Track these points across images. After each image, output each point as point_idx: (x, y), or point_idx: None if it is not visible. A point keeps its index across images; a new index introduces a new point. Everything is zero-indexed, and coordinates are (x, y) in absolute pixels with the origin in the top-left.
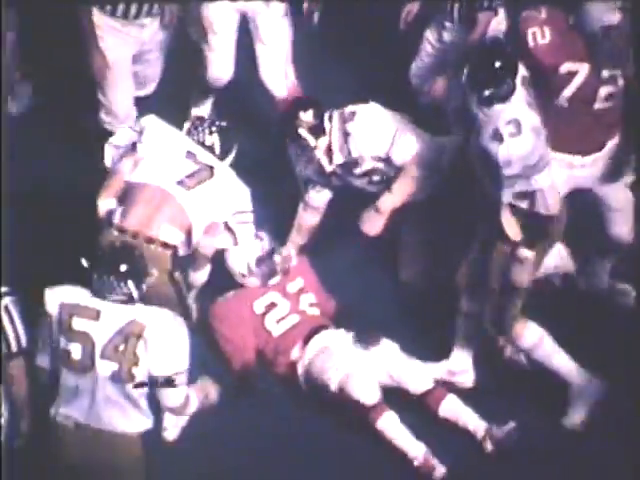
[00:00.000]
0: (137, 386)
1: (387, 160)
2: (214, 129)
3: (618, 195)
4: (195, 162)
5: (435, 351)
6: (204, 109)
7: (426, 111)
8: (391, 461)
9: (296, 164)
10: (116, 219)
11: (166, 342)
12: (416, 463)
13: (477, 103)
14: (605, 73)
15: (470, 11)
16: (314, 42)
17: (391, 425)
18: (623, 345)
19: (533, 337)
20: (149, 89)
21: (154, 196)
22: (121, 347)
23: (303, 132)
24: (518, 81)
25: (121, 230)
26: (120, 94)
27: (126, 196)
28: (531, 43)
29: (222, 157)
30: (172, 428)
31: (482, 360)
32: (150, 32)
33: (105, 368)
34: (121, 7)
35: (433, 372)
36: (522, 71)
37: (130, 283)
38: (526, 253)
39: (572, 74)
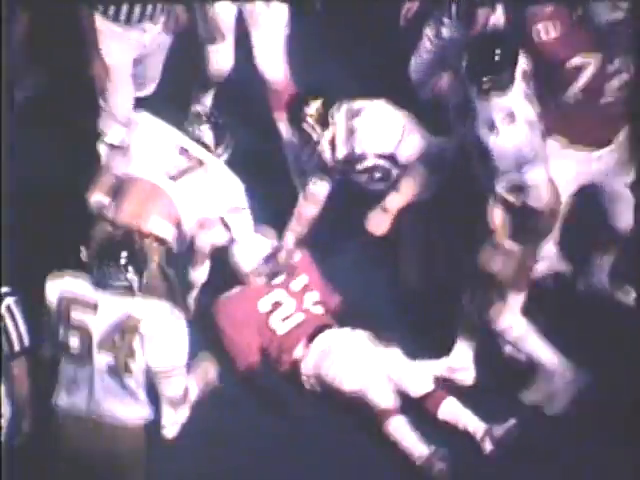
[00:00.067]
0: None
1: (391, 158)
2: (209, 125)
3: (622, 185)
4: (187, 157)
5: (435, 349)
6: (205, 104)
7: (426, 107)
8: (392, 461)
9: (299, 154)
10: (108, 213)
11: (162, 336)
12: (420, 462)
13: (476, 94)
14: (613, 65)
15: (468, 7)
16: (314, 38)
17: (400, 428)
18: (623, 345)
19: (520, 328)
20: (149, 90)
21: (145, 189)
22: (117, 340)
23: (309, 123)
24: (518, 74)
25: (113, 224)
26: (120, 98)
27: (118, 190)
28: (538, 39)
29: (217, 153)
30: (171, 426)
31: (483, 357)
32: (151, 36)
33: (102, 360)
34: (124, 12)
35: (433, 369)
36: (523, 64)
37: (130, 273)
38: (512, 246)
39: (581, 67)
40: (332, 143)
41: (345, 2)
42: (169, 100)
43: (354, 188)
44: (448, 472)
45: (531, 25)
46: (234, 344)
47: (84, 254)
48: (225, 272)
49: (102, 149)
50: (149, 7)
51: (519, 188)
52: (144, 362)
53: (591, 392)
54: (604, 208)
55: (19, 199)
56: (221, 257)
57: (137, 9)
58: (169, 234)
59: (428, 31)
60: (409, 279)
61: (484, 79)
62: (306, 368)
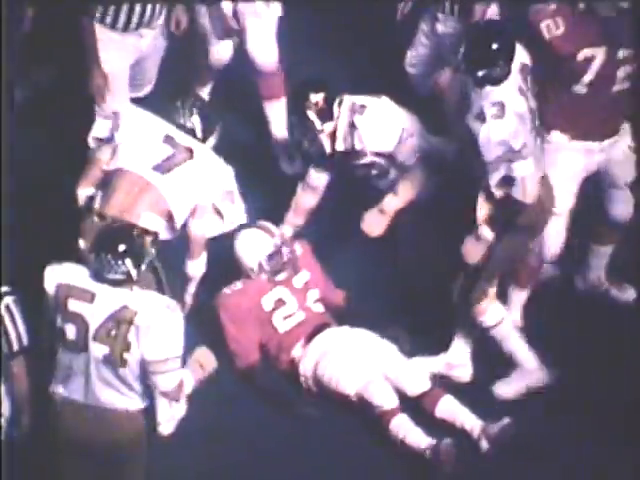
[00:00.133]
0: None
1: (390, 157)
2: (195, 110)
3: (625, 172)
4: (173, 146)
5: (434, 346)
6: (201, 95)
7: (425, 102)
8: (393, 457)
9: (299, 143)
10: (96, 205)
11: (157, 329)
12: (428, 452)
13: (472, 85)
14: (621, 54)
15: (463, 3)
16: (311, 33)
17: (404, 425)
18: (623, 344)
19: (496, 316)
20: (145, 91)
21: (133, 183)
22: (113, 332)
23: (311, 114)
24: (515, 67)
25: (101, 216)
26: (116, 101)
27: (105, 182)
28: (546, 35)
29: (204, 139)
30: (167, 422)
31: (480, 354)
32: (148, 41)
33: (98, 350)
34: (122, 19)
35: (431, 366)
36: (523, 58)
37: (128, 262)
38: (486, 233)
39: (590, 59)
40: (333, 135)
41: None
42: (166, 97)
43: (354, 183)
44: (456, 458)
45: (538, 22)
46: (235, 342)
47: (82, 244)
48: (226, 265)
49: (91, 143)
50: (147, 13)
51: (508, 182)
52: (139, 354)
53: (591, 391)
54: (602, 199)
55: (19, 199)
56: (224, 251)
57: (135, 16)
58: (160, 228)
59: (423, 26)
60: (408, 277)
61: (479, 70)
62: (304, 369)
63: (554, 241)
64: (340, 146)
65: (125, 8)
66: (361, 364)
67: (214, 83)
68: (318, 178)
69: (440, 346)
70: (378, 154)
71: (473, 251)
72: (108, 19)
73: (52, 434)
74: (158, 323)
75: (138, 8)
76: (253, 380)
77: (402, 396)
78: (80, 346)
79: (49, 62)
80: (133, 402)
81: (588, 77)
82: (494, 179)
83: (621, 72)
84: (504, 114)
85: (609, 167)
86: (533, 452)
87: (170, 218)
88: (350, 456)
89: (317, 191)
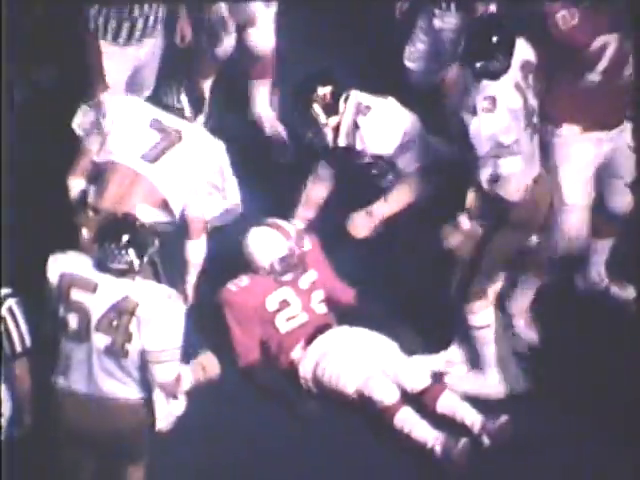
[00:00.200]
0: None
1: (389, 161)
2: (182, 90)
3: (627, 161)
4: (160, 130)
5: (435, 344)
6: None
7: (423, 98)
8: (397, 455)
9: (304, 135)
10: (90, 199)
11: (158, 319)
12: (438, 448)
13: (471, 79)
14: (627, 45)
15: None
16: (310, 30)
17: (409, 419)
18: (622, 343)
19: (483, 320)
20: (144, 96)
21: (124, 176)
22: (115, 322)
23: (316, 107)
24: (516, 63)
25: (95, 210)
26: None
27: (97, 176)
28: (562, 27)
29: (193, 117)
30: (164, 418)
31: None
32: (146, 50)
33: (100, 341)
34: (124, 33)
35: (432, 364)
36: (526, 55)
37: (131, 252)
38: (464, 221)
39: (604, 47)
40: (336, 129)
41: None
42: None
43: (357, 178)
44: (446, 468)
45: (553, 16)
46: (236, 339)
47: (85, 235)
48: (230, 258)
49: (76, 129)
50: (149, 24)
51: (495, 178)
52: (140, 345)
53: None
54: (601, 191)
55: (19, 199)
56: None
57: (137, 29)
58: (157, 217)
59: (421, 22)
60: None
61: (477, 62)
62: (304, 371)
63: (573, 234)
64: (342, 142)
65: (127, 23)
66: (360, 361)
67: (215, 77)
68: (327, 170)
69: (441, 345)
70: (377, 157)
71: (450, 237)
72: (110, 32)
73: (53, 425)
74: (159, 314)
75: (140, 22)
76: (253, 378)
77: (402, 392)
78: (82, 336)
79: (49, 62)
80: (134, 392)
81: (602, 65)
82: (484, 175)
83: (629, 62)
84: (495, 108)
85: (615, 156)
86: (532, 450)
87: (166, 206)
88: (354, 454)
89: (327, 183)
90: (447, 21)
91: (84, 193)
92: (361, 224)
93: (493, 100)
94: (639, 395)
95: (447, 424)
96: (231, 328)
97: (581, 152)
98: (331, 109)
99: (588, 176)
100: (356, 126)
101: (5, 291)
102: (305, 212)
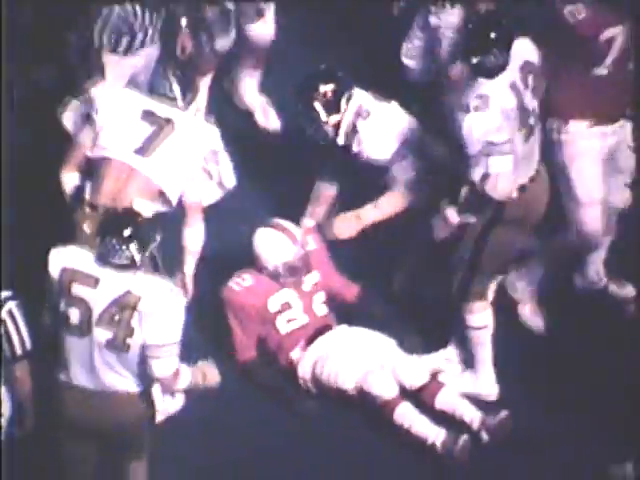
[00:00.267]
0: None
1: (383, 166)
2: (175, 79)
3: (627, 157)
4: (152, 122)
5: (434, 343)
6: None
7: (420, 94)
8: (391, 451)
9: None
10: (87, 195)
11: (160, 313)
12: (439, 444)
13: (468, 77)
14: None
15: None
16: (306, 26)
17: (408, 414)
18: (622, 342)
19: (481, 321)
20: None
21: (119, 171)
22: (116, 317)
23: (317, 105)
24: (516, 63)
25: (92, 206)
26: None
27: (92, 172)
28: (571, 21)
29: (186, 105)
30: (161, 412)
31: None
32: (143, 60)
33: (101, 335)
34: (124, 42)
35: (431, 362)
36: (528, 56)
37: (133, 247)
38: (450, 213)
39: (611, 39)
40: (336, 127)
41: None
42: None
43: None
44: (446, 464)
45: (562, 10)
46: (235, 337)
47: (87, 228)
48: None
49: (66, 124)
50: (148, 36)
51: (484, 175)
52: (142, 339)
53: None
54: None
55: (19, 199)
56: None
57: (137, 41)
58: (152, 210)
59: (417, 19)
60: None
61: (474, 57)
62: (303, 371)
63: (590, 231)
64: (341, 140)
65: (127, 37)
66: (359, 358)
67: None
68: (335, 167)
69: (439, 344)
70: (373, 161)
71: (437, 229)
72: (110, 44)
73: (55, 420)
74: (161, 308)
75: (140, 35)
76: (250, 375)
77: (401, 389)
78: (83, 330)
79: (49, 62)
80: (133, 385)
81: (610, 57)
82: (476, 173)
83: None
84: (487, 107)
85: (617, 150)
86: (532, 448)
87: (163, 197)
88: (354, 451)
89: (336, 181)
90: (443, 18)
91: (80, 189)
92: (346, 226)
93: (486, 99)
94: (638, 393)
95: (446, 420)
96: (231, 326)
97: (590, 147)
98: (332, 107)
99: (599, 171)
100: (355, 129)
101: (5, 294)
102: (315, 209)
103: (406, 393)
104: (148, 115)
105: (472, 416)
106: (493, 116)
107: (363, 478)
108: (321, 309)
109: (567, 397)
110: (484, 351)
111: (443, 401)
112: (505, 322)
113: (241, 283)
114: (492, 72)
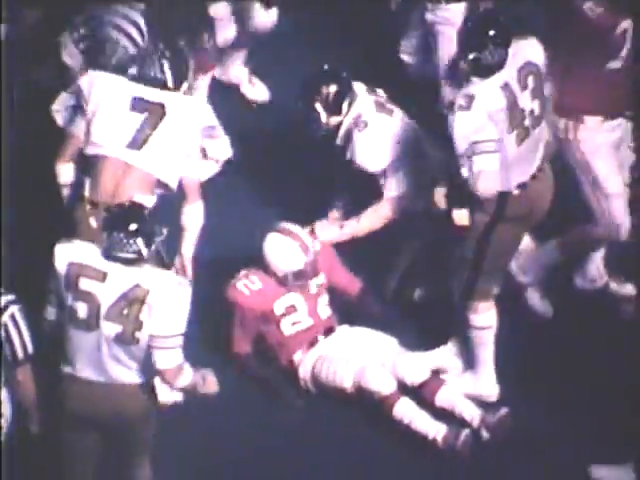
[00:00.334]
0: None
1: (375, 177)
2: (163, 60)
3: (627, 155)
4: (142, 110)
5: (434, 340)
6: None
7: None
8: (391, 447)
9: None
10: (86, 193)
11: (169, 306)
12: (440, 439)
13: (464, 74)
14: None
15: None
16: (306, 24)
17: (408, 409)
18: (623, 341)
19: (485, 321)
20: None
21: (116, 167)
22: (125, 311)
23: (318, 106)
24: (515, 64)
25: (93, 204)
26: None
27: (89, 169)
28: (591, 15)
29: (176, 86)
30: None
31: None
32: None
33: (110, 329)
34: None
35: (431, 358)
36: (530, 56)
37: (139, 241)
38: (438, 200)
39: (625, 32)
40: (337, 129)
41: None
42: None
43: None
44: (445, 462)
45: (581, 6)
46: (234, 329)
47: (94, 222)
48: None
49: (57, 116)
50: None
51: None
52: (149, 331)
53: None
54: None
55: (19, 199)
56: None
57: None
58: (153, 200)
59: (414, 15)
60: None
61: (471, 55)
62: (303, 372)
63: (621, 222)
64: (339, 141)
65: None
66: (357, 355)
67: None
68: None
69: (441, 339)
70: (365, 170)
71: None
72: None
73: (58, 412)
74: (170, 301)
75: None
76: (241, 368)
77: (402, 386)
78: (91, 325)
79: (49, 62)
80: (139, 377)
81: (625, 50)
82: (465, 171)
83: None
84: (470, 107)
85: (620, 145)
86: (532, 447)
87: (163, 184)
88: (354, 447)
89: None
90: (439, 14)
91: (79, 187)
92: (330, 233)
93: (471, 99)
94: (638, 393)
95: (446, 417)
96: (233, 323)
97: (607, 140)
98: (333, 109)
99: (617, 163)
100: (351, 137)
101: (8, 298)
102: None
103: (407, 390)
104: (138, 102)
105: (472, 414)
106: (476, 116)
107: (363, 477)
108: (325, 311)
109: (567, 397)
110: (486, 352)
111: (443, 398)
112: (505, 322)
113: (249, 286)
114: (487, 70)
